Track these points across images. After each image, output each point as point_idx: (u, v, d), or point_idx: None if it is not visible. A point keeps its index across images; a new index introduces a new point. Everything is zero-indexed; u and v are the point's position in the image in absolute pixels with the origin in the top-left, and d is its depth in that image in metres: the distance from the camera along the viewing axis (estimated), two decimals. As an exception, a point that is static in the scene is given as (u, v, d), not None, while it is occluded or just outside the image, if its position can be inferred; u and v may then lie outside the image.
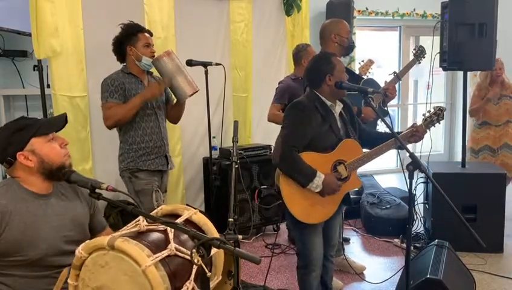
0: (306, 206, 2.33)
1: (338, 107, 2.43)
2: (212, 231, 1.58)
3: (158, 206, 2.82)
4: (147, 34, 2.88)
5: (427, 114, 2.41)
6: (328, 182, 2.29)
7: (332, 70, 2.35)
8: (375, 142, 2.44)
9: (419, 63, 3.50)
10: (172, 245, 1.36)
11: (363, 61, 3.69)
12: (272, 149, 4.18)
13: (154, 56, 2.86)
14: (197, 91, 2.92)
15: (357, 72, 3.79)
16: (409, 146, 2.37)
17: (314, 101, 2.36)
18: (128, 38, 2.83)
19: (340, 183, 2.36)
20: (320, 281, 2.60)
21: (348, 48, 3.19)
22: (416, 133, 2.40)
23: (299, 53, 3.61)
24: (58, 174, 1.70)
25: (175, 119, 3.16)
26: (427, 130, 2.42)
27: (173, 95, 3.01)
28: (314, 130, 2.31)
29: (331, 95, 2.39)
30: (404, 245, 3.64)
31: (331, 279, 2.70)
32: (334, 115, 2.41)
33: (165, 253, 1.34)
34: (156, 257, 1.30)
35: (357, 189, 2.55)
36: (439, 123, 2.43)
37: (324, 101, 2.38)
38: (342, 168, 2.38)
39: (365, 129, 2.62)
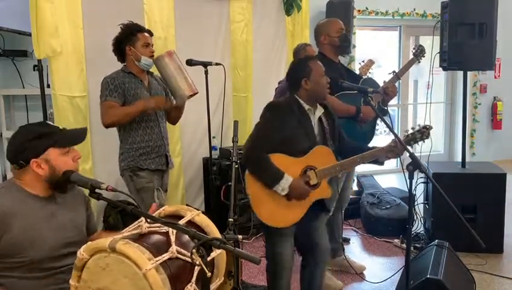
0: (272, 208, 2.28)
1: (318, 112, 2.40)
2: (214, 233, 1.58)
3: (160, 205, 2.82)
4: (146, 34, 2.88)
5: (411, 130, 2.33)
6: (295, 186, 2.25)
7: (308, 75, 2.34)
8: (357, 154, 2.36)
9: (419, 62, 3.50)
10: (174, 248, 1.36)
11: (363, 61, 3.68)
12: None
13: (153, 56, 2.86)
14: (196, 93, 2.91)
15: (357, 72, 3.78)
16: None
17: (291, 104, 2.34)
18: (128, 38, 2.84)
19: (309, 189, 2.31)
20: (307, 289, 2.56)
21: (340, 47, 3.14)
22: (394, 149, 2.29)
23: (297, 53, 3.61)
24: (63, 186, 1.71)
25: (174, 120, 3.16)
26: (408, 147, 2.30)
27: (172, 96, 3.00)
28: (287, 132, 2.28)
29: (309, 99, 2.37)
30: (404, 245, 3.64)
31: (320, 287, 2.59)
32: (311, 120, 2.38)
33: (166, 256, 1.34)
34: (157, 260, 1.30)
35: (327, 197, 2.42)
36: (424, 142, 2.33)
37: (302, 105, 2.35)
38: (312, 174, 2.33)
39: (347, 140, 2.56)
